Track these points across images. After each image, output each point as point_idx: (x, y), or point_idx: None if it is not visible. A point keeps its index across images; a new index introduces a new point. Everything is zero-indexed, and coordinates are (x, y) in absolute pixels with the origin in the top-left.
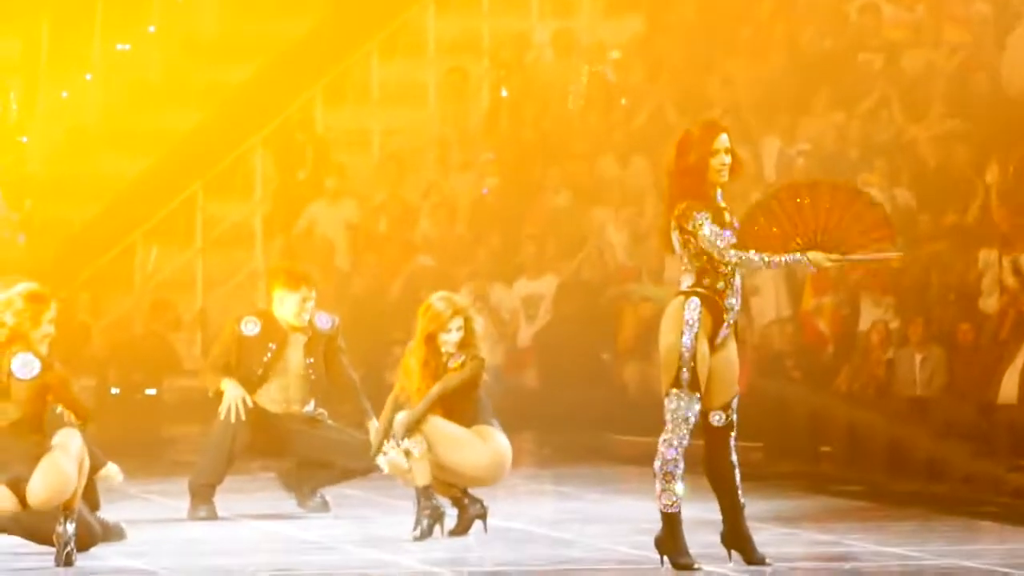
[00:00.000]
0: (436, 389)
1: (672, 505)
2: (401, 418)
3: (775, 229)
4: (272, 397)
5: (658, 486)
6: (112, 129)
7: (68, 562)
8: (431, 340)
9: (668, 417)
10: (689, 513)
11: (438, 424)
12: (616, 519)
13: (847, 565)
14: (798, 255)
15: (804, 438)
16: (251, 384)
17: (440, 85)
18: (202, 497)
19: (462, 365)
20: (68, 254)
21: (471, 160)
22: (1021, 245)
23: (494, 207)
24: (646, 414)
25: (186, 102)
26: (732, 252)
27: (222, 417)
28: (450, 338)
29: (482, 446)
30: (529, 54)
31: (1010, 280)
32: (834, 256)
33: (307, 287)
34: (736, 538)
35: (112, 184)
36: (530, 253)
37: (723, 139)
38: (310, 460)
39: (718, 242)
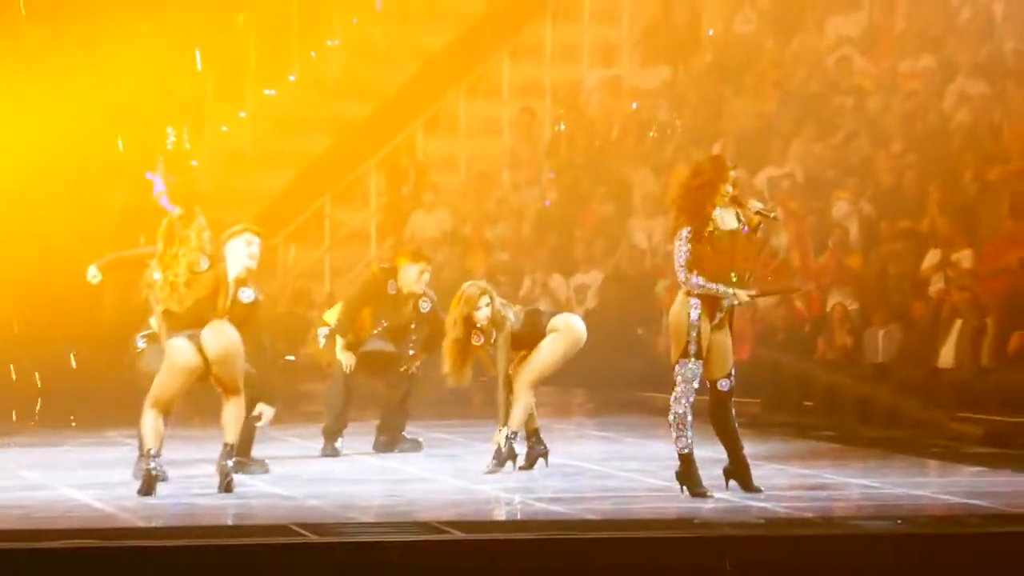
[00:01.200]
0: (501, 364)
1: (685, 447)
2: (518, 416)
3: (722, 258)
4: (386, 340)
5: (673, 433)
6: (261, 154)
7: (228, 489)
8: (468, 320)
9: (679, 380)
10: (700, 454)
11: (524, 371)
12: (647, 458)
13: (823, 493)
14: (729, 289)
15: (792, 395)
16: (372, 330)
17: (512, 121)
18: (331, 439)
19: (498, 329)
20: None
21: (536, 178)
22: (958, 246)
23: (553, 215)
24: (671, 377)
25: (318, 133)
26: (683, 271)
27: (338, 374)
28: (482, 313)
29: (556, 340)
30: (581, 96)
31: (950, 272)
32: (753, 292)
33: (425, 262)
34: (736, 472)
35: (261, 197)
36: (581, 252)
37: (731, 173)
38: (393, 401)
39: (678, 259)
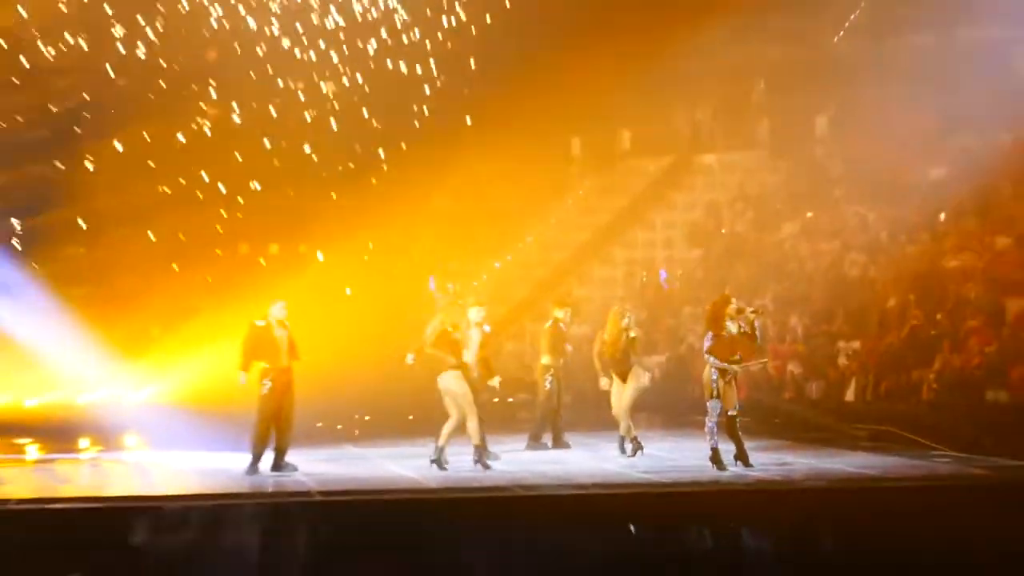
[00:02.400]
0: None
1: (714, 444)
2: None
3: (729, 348)
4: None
5: (707, 437)
6: (495, 296)
7: (441, 467)
8: (625, 329)
9: (709, 409)
10: (722, 447)
11: (626, 398)
12: (694, 449)
13: (786, 467)
14: (731, 365)
15: (768, 417)
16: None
17: (621, 277)
18: (536, 438)
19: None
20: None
21: (635, 306)
22: (852, 338)
23: (644, 323)
24: (704, 407)
25: (522, 285)
26: (708, 355)
27: (548, 387)
28: (630, 324)
29: (639, 376)
30: (654, 264)
31: (848, 353)
32: (743, 365)
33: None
34: (740, 456)
35: (518, 294)
36: (659, 341)
37: (732, 302)
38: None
39: (705, 348)
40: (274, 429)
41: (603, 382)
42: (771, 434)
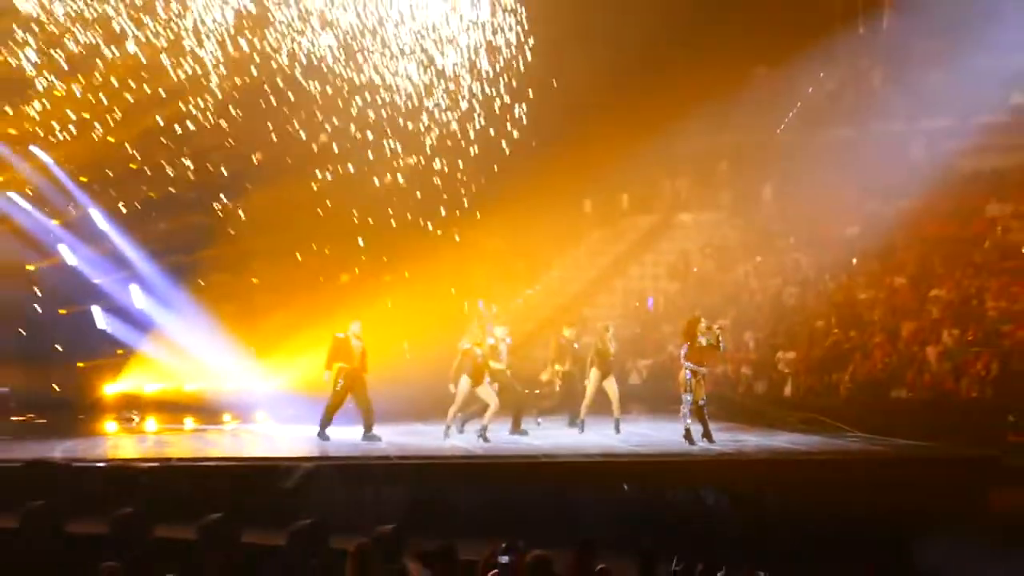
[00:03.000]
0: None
1: (686, 425)
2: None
3: (700, 355)
4: None
5: (682, 422)
6: (527, 315)
7: (486, 439)
8: (609, 341)
9: (684, 400)
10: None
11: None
12: (671, 430)
13: (741, 443)
14: (701, 367)
15: (726, 405)
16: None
17: (624, 305)
18: (572, 423)
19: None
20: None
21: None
22: (788, 349)
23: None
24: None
25: (544, 308)
26: (684, 360)
27: (557, 388)
28: (611, 337)
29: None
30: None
31: (786, 360)
32: (709, 367)
33: (572, 328)
34: (706, 435)
35: (543, 314)
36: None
37: (702, 321)
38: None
39: (682, 356)
40: (361, 411)
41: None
42: (728, 419)
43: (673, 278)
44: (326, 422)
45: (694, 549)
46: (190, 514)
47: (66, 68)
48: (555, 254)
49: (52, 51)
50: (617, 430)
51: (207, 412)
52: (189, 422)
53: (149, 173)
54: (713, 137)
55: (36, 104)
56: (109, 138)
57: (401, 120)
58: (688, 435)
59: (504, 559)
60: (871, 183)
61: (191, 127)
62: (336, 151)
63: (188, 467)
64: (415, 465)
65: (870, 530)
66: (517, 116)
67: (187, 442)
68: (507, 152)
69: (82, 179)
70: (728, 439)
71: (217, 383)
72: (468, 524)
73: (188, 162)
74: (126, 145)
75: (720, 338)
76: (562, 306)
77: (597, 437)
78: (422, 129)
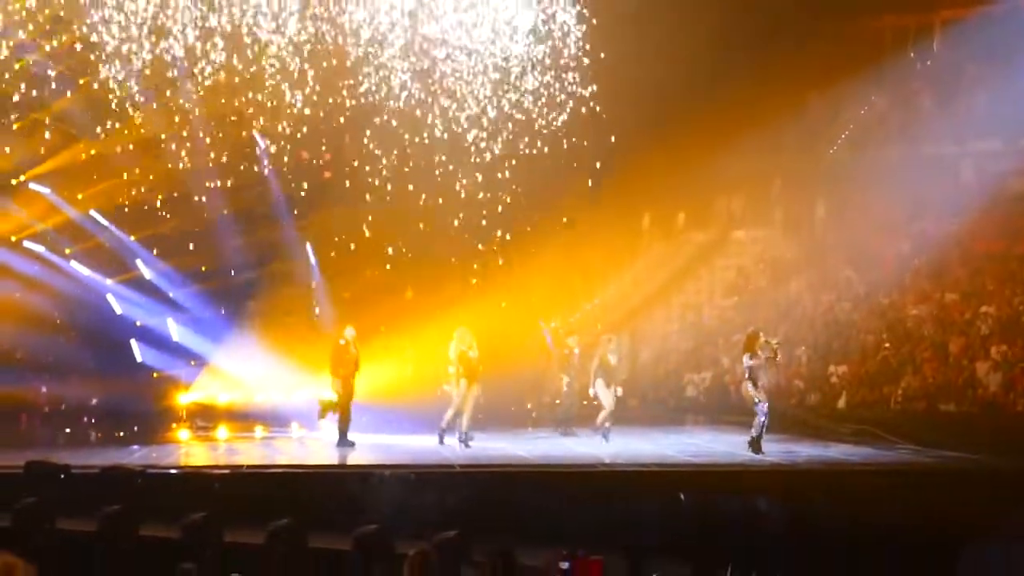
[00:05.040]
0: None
1: (759, 436)
2: None
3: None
4: None
5: (755, 431)
6: (598, 315)
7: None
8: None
9: (759, 410)
10: (742, 439)
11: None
12: (727, 442)
13: (789, 453)
14: (760, 381)
15: (780, 419)
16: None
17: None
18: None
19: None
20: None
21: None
22: (841, 363)
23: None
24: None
25: (616, 310)
26: (746, 372)
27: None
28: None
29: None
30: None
31: (838, 375)
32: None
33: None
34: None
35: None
36: None
37: (760, 336)
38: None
39: (745, 366)
40: (340, 417)
41: (617, 390)
42: (781, 430)
43: (728, 293)
44: (344, 429)
45: (747, 558)
46: (259, 520)
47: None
48: (614, 269)
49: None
50: (605, 438)
51: (276, 421)
52: (259, 431)
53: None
54: (767, 157)
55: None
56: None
57: (462, 134)
58: (756, 443)
59: (565, 565)
60: (921, 203)
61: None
62: (405, 168)
63: (258, 474)
64: (476, 473)
65: (919, 540)
66: (576, 135)
67: (257, 450)
68: (573, 166)
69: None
70: (781, 450)
71: (285, 394)
72: (528, 531)
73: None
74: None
75: (777, 352)
76: (621, 319)
77: (651, 446)
78: (482, 148)
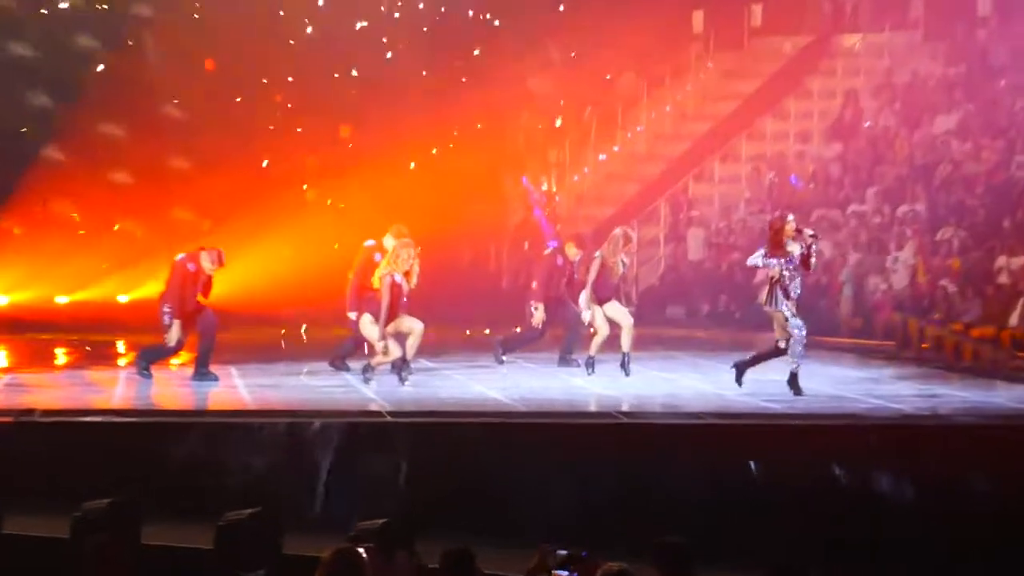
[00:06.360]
0: None
1: (796, 369)
2: None
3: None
4: None
5: (794, 362)
6: (596, 195)
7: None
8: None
9: (793, 335)
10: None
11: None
12: (809, 374)
13: (931, 399)
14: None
15: (913, 339)
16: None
17: (746, 175)
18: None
19: None
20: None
21: (762, 208)
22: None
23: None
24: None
25: (631, 182)
26: (775, 282)
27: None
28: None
29: None
30: (784, 162)
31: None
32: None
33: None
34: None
35: (595, 222)
36: None
37: (790, 223)
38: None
39: (757, 260)
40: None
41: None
42: (917, 362)
43: (831, 137)
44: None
45: (857, 559)
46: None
47: None
48: (644, 98)
49: None
50: (626, 371)
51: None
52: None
53: None
54: None
55: None
56: None
57: None
58: (795, 381)
59: (563, 573)
60: None
61: None
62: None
63: (56, 424)
64: (418, 425)
65: None
66: None
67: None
68: None
69: None
70: (914, 392)
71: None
72: (499, 519)
73: None
74: None
75: (814, 249)
76: (654, 181)
77: (697, 383)
78: None
